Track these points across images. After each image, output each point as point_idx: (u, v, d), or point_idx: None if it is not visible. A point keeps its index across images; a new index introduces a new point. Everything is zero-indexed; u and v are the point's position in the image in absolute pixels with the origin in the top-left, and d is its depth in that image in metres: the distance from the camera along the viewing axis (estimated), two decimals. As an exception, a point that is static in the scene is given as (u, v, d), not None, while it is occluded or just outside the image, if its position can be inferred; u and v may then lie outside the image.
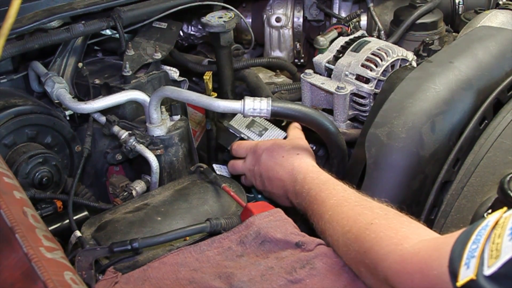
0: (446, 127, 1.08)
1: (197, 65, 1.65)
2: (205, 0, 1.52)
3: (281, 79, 1.71)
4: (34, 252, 0.64)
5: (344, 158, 1.23)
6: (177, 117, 1.34)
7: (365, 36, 1.45)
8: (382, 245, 0.82)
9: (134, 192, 1.25)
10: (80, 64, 1.39)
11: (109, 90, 1.37)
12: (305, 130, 1.28)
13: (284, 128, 1.34)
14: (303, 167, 1.13)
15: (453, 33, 1.66)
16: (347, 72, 1.32)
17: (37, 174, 1.19)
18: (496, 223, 0.63)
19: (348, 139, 1.28)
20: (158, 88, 1.27)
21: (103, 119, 1.32)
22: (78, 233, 1.05)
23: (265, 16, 1.92)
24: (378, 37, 1.69)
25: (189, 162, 1.35)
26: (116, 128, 1.29)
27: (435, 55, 1.25)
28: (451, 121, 1.09)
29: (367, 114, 1.28)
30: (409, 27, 1.60)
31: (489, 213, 0.94)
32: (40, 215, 0.97)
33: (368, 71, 1.29)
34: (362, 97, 1.31)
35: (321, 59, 1.40)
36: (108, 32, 1.54)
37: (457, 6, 1.76)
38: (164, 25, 1.53)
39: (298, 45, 1.92)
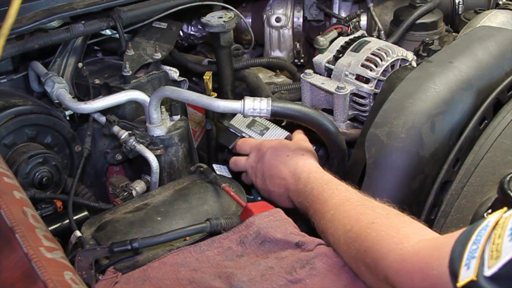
0: (446, 127, 1.08)
1: (197, 65, 1.65)
2: (205, 0, 1.53)
3: (281, 79, 1.71)
4: (34, 252, 0.64)
5: (344, 158, 1.23)
6: (177, 117, 1.34)
7: (365, 36, 1.45)
8: (383, 243, 0.82)
9: (134, 192, 1.25)
10: (80, 64, 1.39)
11: (109, 90, 1.37)
12: (305, 130, 1.28)
13: (285, 128, 1.34)
14: (307, 167, 1.13)
15: (453, 33, 1.66)
16: (347, 72, 1.32)
17: (37, 174, 1.19)
18: (496, 223, 0.63)
19: (348, 139, 1.28)
20: (158, 88, 1.28)
21: (103, 119, 1.32)
22: (78, 233, 1.05)
23: (265, 16, 1.92)
24: (378, 37, 1.69)
25: (189, 162, 1.35)
26: (116, 128, 1.29)
27: (435, 55, 1.25)
28: (451, 121, 1.08)
29: (367, 114, 1.28)
30: (409, 27, 1.60)
31: (489, 213, 0.94)
32: (40, 215, 0.97)
33: (368, 71, 1.29)
34: (362, 97, 1.31)
35: (321, 59, 1.40)
36: (108, 32, 1.54)
37: (457, 6, 1.76)
38: (164, 25, 1.53)
39: (298, 45, 1.92)
